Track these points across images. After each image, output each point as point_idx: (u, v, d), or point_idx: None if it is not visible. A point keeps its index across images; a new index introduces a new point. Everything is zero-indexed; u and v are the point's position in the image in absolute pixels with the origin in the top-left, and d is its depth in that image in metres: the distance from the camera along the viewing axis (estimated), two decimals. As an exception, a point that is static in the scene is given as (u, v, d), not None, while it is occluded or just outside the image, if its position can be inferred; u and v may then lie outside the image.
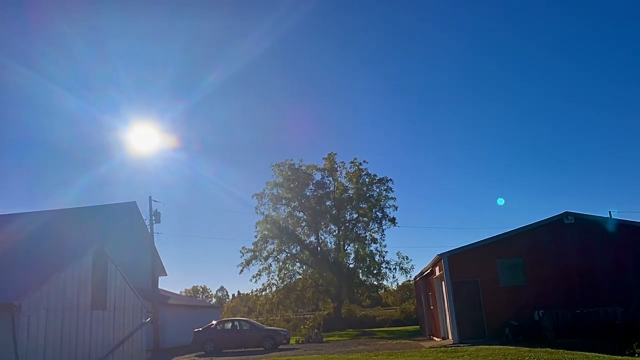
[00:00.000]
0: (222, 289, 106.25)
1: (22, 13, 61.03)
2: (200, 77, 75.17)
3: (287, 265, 47.43)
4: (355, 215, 47.08)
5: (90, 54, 65.56)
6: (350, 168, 47.41)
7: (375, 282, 47.32)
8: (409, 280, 47.24)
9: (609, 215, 29.41)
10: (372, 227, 46.37)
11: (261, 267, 46.44)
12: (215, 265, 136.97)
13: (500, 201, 73.01)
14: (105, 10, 57.63)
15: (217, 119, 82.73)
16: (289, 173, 46.73)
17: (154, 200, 30.26)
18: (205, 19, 62.93)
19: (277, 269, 47.01)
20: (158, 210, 29.97)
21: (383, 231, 45.66)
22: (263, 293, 48.77)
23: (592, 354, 12.77)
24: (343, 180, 47.84)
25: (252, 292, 64.99)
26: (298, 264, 47.99)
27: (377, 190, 46.72)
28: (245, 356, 21.40)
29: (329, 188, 47.54)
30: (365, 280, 47.23)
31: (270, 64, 70.22)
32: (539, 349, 14.38)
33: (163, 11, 63.76)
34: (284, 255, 46.97)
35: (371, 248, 46.59)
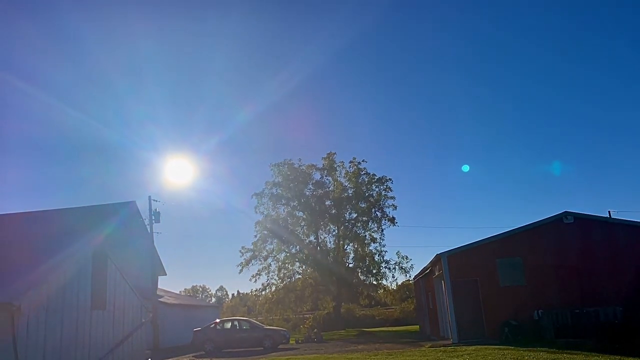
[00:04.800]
0: (221, 288, 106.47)
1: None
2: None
3: (286, 265, 47.39)
4: (354, 215, 47.02)
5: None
6: (350, 168, 47.38)
7: (375, 282, 47.29)
8: (409, 280, 47.25)
9: (608, 215, 29.46)
10: (371, 227, 46.32)
11: (261, 266, 46.40)
12: (214, 265, 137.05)
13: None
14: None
15: (217, 118, 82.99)
16: (288, 173, 46.66)
17: (154, 200, 30.27)
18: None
19: (276, 269, 46.98)
20: (158, 210, 29.96)
21: (382, 231, 45.64)
22: (262, 293, 48.75)
23: (592, 353, 12.78)
24: (342, 180, 47.78)
25: (251, 291, 65.03)
26: (297, 264, 47.93)
27: (377, 189, 46.69)
28: (245, 357, 21.40)
29: (328, 188, 47.46)
30: (364, 280, 47.21)
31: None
32: (538, 348, 14.39)
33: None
34: (283, 255, 46.92)
35: (370, 247, 46.63)
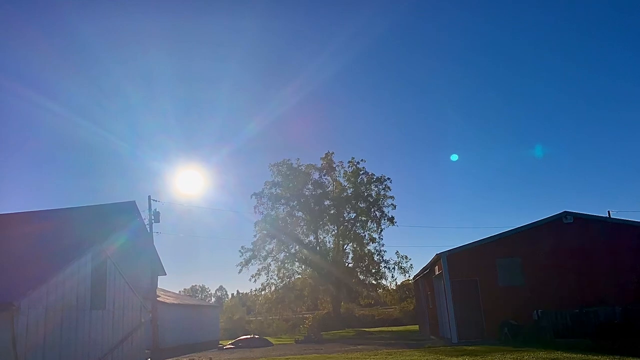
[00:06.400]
0: (221, 288, 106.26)
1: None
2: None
3: (286, 265, 47.44)
4: (353, 215, 47.08)
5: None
6: (349, 167, 47.44)
7: (374, 282, 47.38)
8: (408, 280, 47.29)
9: (608, 215, 29.48)
10: (370, 227, 46.41)
11: (260, 266, 46.44)
12: (214, 265, 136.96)
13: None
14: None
15: (219, 121, 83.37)
16: (288, 172, 46.71)
17: (154, 200, 30.22)
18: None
19: (276, 269, 47.04)
20: (157, 210, 29.89)
21: (382, 230, 45.71)
22: (262, 292, 48.81)
23: (591, 353, 12.78)
24: (341, 180, 47.87)
25: (251, 291, 65.00)
26: (297, 264, 48.00)
27: (376, 189, 46.75)
28: (245, 356, 21.38)
29: (328, 187, 47.52)
30: (363, 280, 47.26)
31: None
32: (537, 348, 14.40)
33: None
34: (283, 255, 46.98)
35: (370, 247, 46.70)
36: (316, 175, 47.54)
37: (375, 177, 46.62)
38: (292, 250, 46.95)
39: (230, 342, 31.85)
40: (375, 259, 46.07)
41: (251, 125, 73.50)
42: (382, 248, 46.01)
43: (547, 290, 19.45)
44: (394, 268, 45.63)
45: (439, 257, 20.89)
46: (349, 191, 47.16)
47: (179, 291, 64.52)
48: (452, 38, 75.85)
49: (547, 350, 13.81)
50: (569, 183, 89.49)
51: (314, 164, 47.68)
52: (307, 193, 46.77)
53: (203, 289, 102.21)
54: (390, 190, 46.28)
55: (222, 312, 56.73)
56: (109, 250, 16.78)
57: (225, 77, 72.76)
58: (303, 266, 48.19)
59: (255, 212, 46.39)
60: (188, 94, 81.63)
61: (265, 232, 45.69)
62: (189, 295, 77.61)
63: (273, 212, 46.62)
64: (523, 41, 74.25)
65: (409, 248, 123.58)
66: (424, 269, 26.63)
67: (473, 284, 20.07)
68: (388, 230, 47.26)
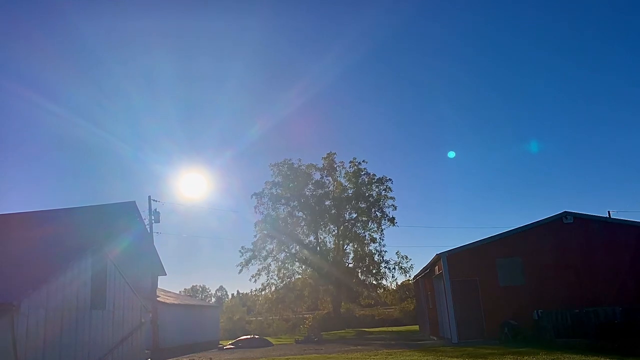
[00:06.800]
0: (221, 288, 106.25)
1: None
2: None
3: (286, 265, 47.44)
4: (354, 215, 47.08)
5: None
6: (350, 168, 47.44)
7: (375, 282, 47.37)
8: (409, 280, 47.28)
9: (608, 215, 29.47)
10: (371, 227, 46.42)
11: (260, 266, 46.42)
12: (214, 265, 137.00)
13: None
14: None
15: (219, 120, 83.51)
16: (288, 172, 46.72)
17: (154, 200, 30.23)
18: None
19: (276, 269, 47.03)
20: (157, 210, 29.89)
21: (382, 231, 45.71)
22: (262, 292, 48.79)
23: (591, 354, 12.78)
24: (342, 180, 47.88)
25: (251, 291, 65.06)
26: (297, 264, 47.98)
27: (376, 189, 46.75)
28: (245, 355, 21.39)
29: (328, 188, 47.51)
30: (364, 280, 47.26)
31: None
32: (538, 349, 14.40)
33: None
34: (283, 255, 46.98)
35: (370, 247, 46.71)
36: (317, 176, 47.61)
37: (376, 178, 46.65)
38: (293, 251, 46.97)
39: (230, 342, 31.86)
40: (376, 259, 46.09)
41: (255, 127, 73.94)
42: (382, 248, 46.07)
43: (547, 290, 19.45)
44: (394, 268, 45.65)
45: (439, 257, 20.89)
46: (349, 191, 47.17)
47: (179, 291, 64.50)
48: (453, 38, 75.90)
49: (548, 350, 13.81)
50: (568, 183, 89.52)
51: (314, 164, 47.74)
52: (307, 193, 46.77)
53: (203, 289, 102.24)
54: (391, 190, 46.33)
55: (222, 312, 56.75)
56: (109, 251, 16.80)
57: (228, 78, 73.16)
58: (303, 266, 48.18)
59: (256, 212, 46.45)
60: (190, 95, 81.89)
61: (265, 232, 45.68)
62: (189, 296, 77.54)
63: (273, 213, 46.63)
64: (523, 41, 74.25)
65: (410, 248, 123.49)
66: (424, 269, 26.63)
67: (473, 284, 20.06)
68: (388, 231, 47.26)
